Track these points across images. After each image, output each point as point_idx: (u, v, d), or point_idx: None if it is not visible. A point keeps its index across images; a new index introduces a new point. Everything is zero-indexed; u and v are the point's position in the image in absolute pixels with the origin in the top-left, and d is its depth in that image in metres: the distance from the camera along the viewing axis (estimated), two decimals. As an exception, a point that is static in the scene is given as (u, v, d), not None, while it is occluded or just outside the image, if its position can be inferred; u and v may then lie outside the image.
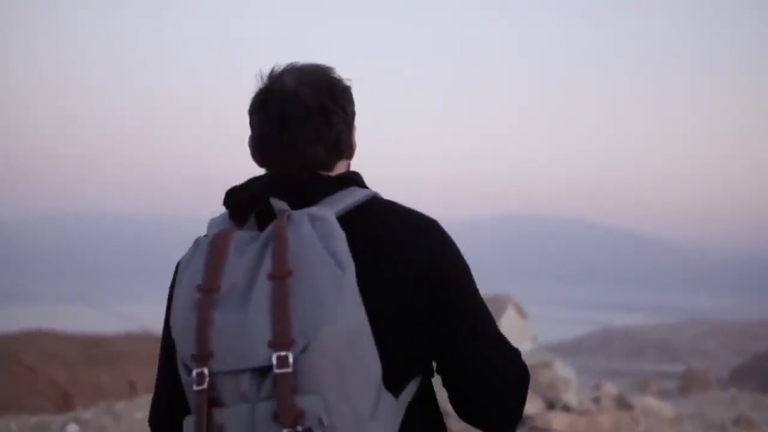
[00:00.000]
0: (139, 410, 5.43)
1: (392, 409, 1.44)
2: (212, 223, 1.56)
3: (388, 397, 1.43)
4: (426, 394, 1.55)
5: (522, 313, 5.76)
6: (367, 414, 1.39)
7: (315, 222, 1.43)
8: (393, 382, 1.45)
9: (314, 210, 1.45)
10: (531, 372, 1.86)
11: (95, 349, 28.51)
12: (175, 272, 1.57)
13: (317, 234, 1.41)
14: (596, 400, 5.96)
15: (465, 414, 1.57)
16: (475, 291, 1.56)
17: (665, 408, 6.44)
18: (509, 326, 5.07)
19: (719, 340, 53.00)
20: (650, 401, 6.49)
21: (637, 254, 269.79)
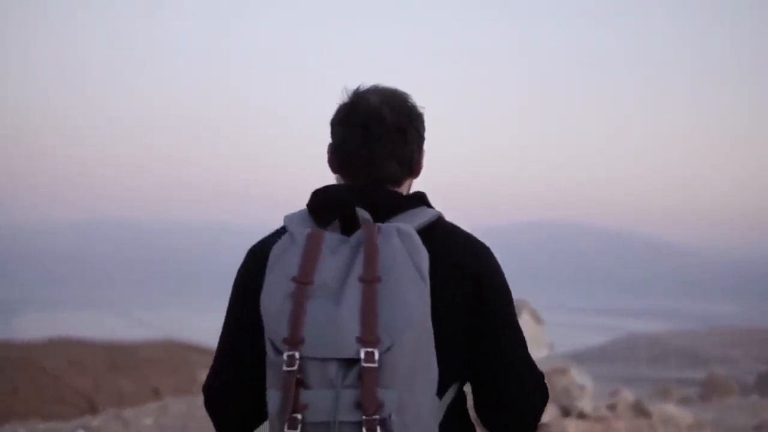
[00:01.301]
0: (147, 416, 5.45)
1: (437, 408, 1.65)
2: (291, 219, 1.74)
3: (436, 398, 1.62)
4: (460, 397, 1.77)
5: (537, 319, 5.76)
6: (428, 410, 1.58)
7: (402, 236, 1.62)
8: (439, 386, 1.65)
9: (401, 226, 1.65)
10: (546, 378, 2.12)
11: (118, 356, 28.52)
12: (247, 260, 1.78)
13: (405, 248, 1.61)
14: (612, 407, 5.88)
15: (485, 422, 1.81)
16: (514, 315, 1.77)
17: (684, 415, 6.34)
18: (524, 332, 5.06)
19: (744, 347, 52.48)
20: (668, 408, 6.38)
21: (663, 261, 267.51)
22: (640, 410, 6.00)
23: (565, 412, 5.56)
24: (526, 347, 1.80)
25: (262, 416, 1.79)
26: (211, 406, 1.81)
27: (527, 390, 1.76)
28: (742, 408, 7.92)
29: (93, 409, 18.65)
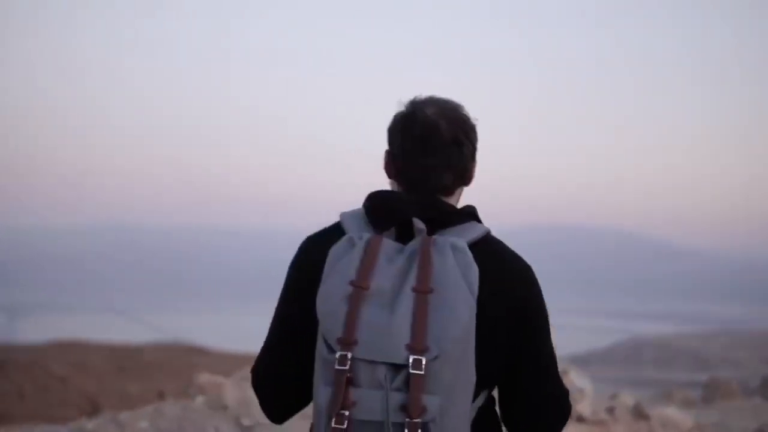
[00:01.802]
0: (143, 420, 5.42)
1: (471, 411, 1.74)
2: (348, 218, 1.85)
3: (470, 404, 1.72)
4: (490, 401, 1.89)
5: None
6: (465, 416, 1.68)
7: (456, 252, 1.72)
8: (474, 391, 1.74)
9: (456, 241, 1.74)
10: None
11: (125, 359, 28.51)
12: (302, 249, 1.88)
13: (457, 263, 1.70)
14: (611, 411, 5.82)
15: (509, 428, 1.93)
16: (548, 334, 1.89)
17: (684, 418, 6.27)
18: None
19: (750, 350, 52.32)
20: (668, 411, 6.31)
21: (668, 263, 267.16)
22: (639, 413, 5.95)
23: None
24: (555, 365, 1.91)
25: (303, 401, 1.88)
26: (257, 386, 1.91)
27: (550, 405, 1.88)
28: (744, 411, 7.86)
29: (97, 412, 18.60)
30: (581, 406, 5.49)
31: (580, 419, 5.52)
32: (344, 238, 1.76)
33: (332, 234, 1.84)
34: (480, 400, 1.82)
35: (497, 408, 1.95)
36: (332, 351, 1.65)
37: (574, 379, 5.58)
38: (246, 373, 6.75)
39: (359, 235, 1.76)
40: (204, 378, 6.14)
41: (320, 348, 1.68)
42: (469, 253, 1.72)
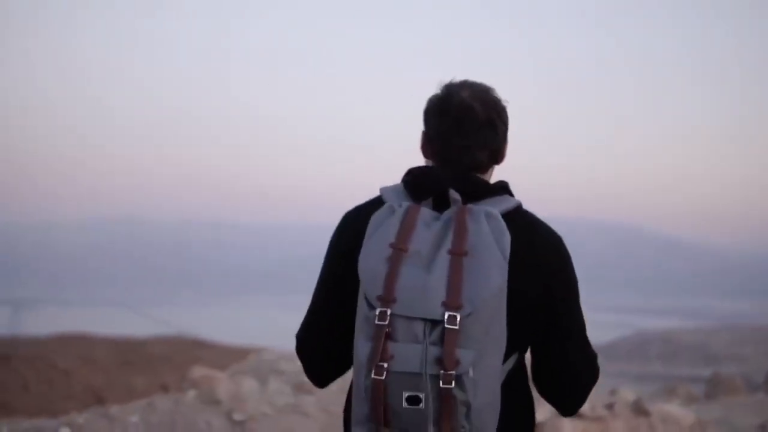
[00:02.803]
0: (134, 414, 5.34)
1: (501, 372, 1.84)
2: (387, 191, 1.97)
3: (500, 363, 1.83)
4: (520, 365, 2.00)
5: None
6: (496, 373, 1.79)
7: (490, 219, 1.84)
8: (504, 353, 1.84)
9: (489, 209, 1.86)
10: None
11: (130, 353, 28.53)
12: (342, 224, 2.01)
13: (491, 229, 1.82)
14: (610, 407, 5.69)
15: (540, 391, 2.06)
16: (578, 302, 2.01)
17: (685, 414, 6.13)
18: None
19: (755, 345, 52.21)
20: (669, 407, 6.17)
21: (673, 258, 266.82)
22: (639, 409, 5.82)
23: (561, 412, 5.36)
24: (584, 331, 2.02)
25: (345, 365, 2.01)
26: (301, 351, 2.03)
27: (579, 368, 1.98)
28: (747, 407, 7.74)
29: (102, 405, 18.55)
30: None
31: (579, 415, 5.41)
32: (385, 206, 1.89)
33: (372, 205, 1.96)
34: (510, 363, 1.93)
35: (531, 378, 2.06)
36: (372, 308, 1.76)
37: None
38: (241, 367, 6.68)
39: (399, 203, 1.89)
40: (198, 372, 6.07)
41: (361, 306, 1.80)
42: (503, 222, 1.84)
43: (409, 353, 1.72)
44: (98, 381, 24.14)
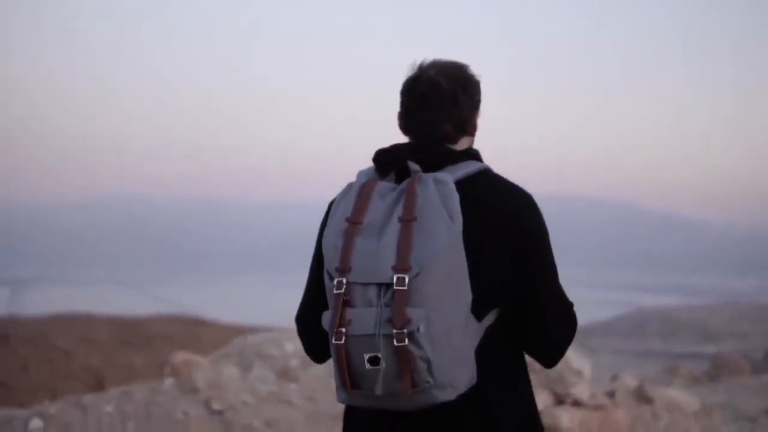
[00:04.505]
0: (108, 404, 5.08)
1: (475, 329, 1.94)
2: (361, 173, 2.05)
3: (472, 319, 1.92)
4: (503, 321, 2.02)
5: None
6: (457, 328, 1.87)
7: (438, 184, 1.92)
8: (478, 310, 1.93)
9: (438, 174, 1.95)
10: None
11: (130, 332, 28.48)
12: (328, 208, 2.09)
13: (438, 193, 1.90)
14: (611, 394, 5.40)
15: (520, 345, 2.07)
16: (548, 256, 2.04)
17: (689, 400, 5.86)
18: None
19: (755, 322, 52.11)
20: (673, 393, 5.88)
21: (672, 235, 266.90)
22: (641, 396, 5.55)
23: (559, 400, 5.11)
24: (556, 280, 2.05)
25: None
26: (301, 332, 2.15)
27: (551, 318, 2.01)
28: (752, 389, 7.50)
29: (102, 384, 18.53)
30: (578, 389, 5.05)
31: (578, 404, 5.11)
32: (345, 186, 2.03)
33: (347, 185, 2.07)
34: (489, 320, 1.98)
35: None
36: (332, 279, 1.90)
37: (571, 360, 5.18)
38: (224, 352, 6.42)
39: (359, 181, 2.01)
40: (179, 357, 5.82)
41: (325, 279, 1.94)
42: (451, 184, 1.92)
43: (365, 317, 1.84)
44: (98, 361, 24.16)
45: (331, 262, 1.92)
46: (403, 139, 2.15)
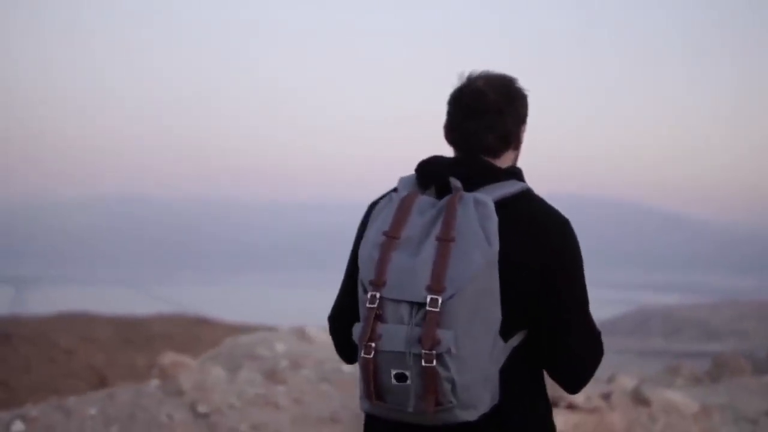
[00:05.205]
0: (92, 406, 4.96)
1: (501, 349, 1.94)
2: (402, 180, 2.06)
3: (500, 340, 1.93)
4: (529, 342, 2.02)
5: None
6: (485, 350, 1.88)
7: (478, 205, 1.92)
8: (506, 331, 1.94)
9: (479, 195, 1.94)
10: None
11: (131, 331, 28.45)
12: (367, 213, 2.11)
13: (477, 215, 1.90)
14: (607, 397, 5.25)
15: (545, 369, 2.08)
16: (578, 283, 2.04)
17: (688, 402, 5.71)
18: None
19: (757, 321, 52.03)
20: (671, 395, 5.74)
21: (675, 233, 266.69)
22: (638, 398, 5.40)
23: (553, 403, 4.97)
24: (585, 307, 2.05)
25: None
26: (333, 331, 2.16)
27: (577, 345, 2.01)
28: (753, 390, 7.38)
29: (104, 384, 18.49)
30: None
31: (572, 407, 4.96)
32: (386, 197, 2.03)
33: (389, 194, 2.07)
34: (516, 341, 1.99)
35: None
36: (366, 291, 1.91)
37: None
38: (213, 353, 6.30)
39: (404, 192, 2.00)
40: (168, 358, 5.69)
41: (359, 291, 1.95)
42: (491, 206, 1.92)
43: (395, 334, 1.85)
44: (100, 360, 24.19)
45: (366, 274, 1.94)
46: (448, 150, 2.14)
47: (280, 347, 5.89)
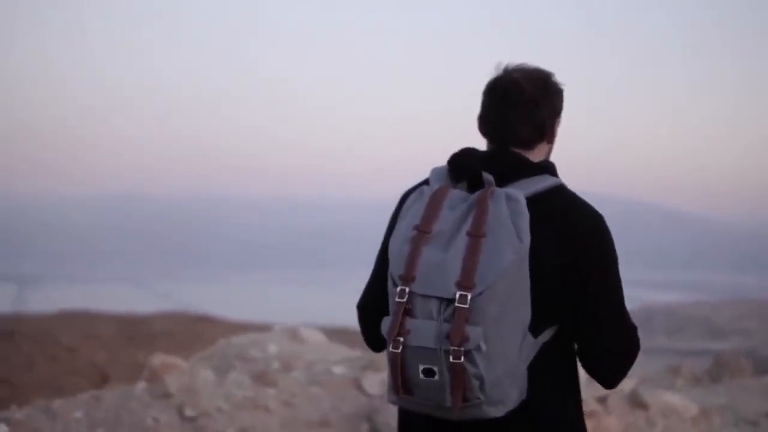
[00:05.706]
0: (78, 409, 4.88)
1: (531, 345, 1.94)
2: (435, 172, 2.06)
3: (529, 336, 1.92)
4: (560, 338, 2.02)
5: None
6: (514, 347, 1.88)
7: (509, 201, 1.90)
8: (536, 327, 1.94)
9: (511, 191, 1.93)
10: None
11: (134, 329, 28.49)
12: (399, 204, 2.10)
13: (509, 210, 1.89)
14: (603, 400, 5.15)
15: (582, 362, 2.08)
16: (612, 278, 2.02)
17: (687, 405, 5.60)
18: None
19: (760, 319, 51.96)
20: (669, 397, 5.63)
21: (678, 231, 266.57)
22: (635, 402, 5.30)
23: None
24: (619, 302, 2.03)
25: None
26: (362, 320, 2.18)
27: (610, 339, 2.00)
28: (754, 391, 7.28)
29: (106, 381, 18.52)
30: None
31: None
32: (417, 190, 2.01)
33: (420, 186, 2.06)
34: (546, 336, 1.98)
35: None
36: (396, 285, 1.91)
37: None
38: (205, 354, 6.22)
39: (436, 185, 1.99)
40: (158, 359, 5.61)
41: (389, 284, 1.95)
42: (522, 203, 1.90)
43: (424, 329, 1.85)
44: (102, 357, 24.27)
45: (396, 268, 1.94)
46: (482, 142, 2.13)
47: (272, 348, 5.81)
